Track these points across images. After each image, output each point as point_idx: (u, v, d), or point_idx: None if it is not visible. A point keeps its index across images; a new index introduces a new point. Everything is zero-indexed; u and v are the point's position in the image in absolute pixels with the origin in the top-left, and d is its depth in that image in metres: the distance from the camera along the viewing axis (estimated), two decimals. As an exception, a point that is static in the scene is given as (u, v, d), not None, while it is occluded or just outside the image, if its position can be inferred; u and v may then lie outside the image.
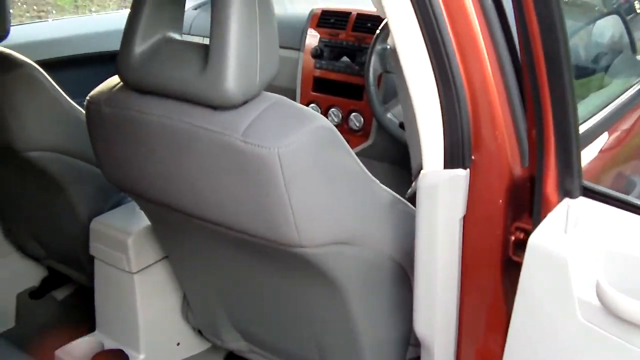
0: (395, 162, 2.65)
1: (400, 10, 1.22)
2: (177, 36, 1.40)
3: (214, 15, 1.22)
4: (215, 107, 1.27)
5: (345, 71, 2.66)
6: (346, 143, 1.33)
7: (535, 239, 1.16)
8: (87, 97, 1.50)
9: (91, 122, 1.50)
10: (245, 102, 1.27)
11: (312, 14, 2.75)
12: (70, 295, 2.64)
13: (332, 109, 2.72)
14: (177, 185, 1.39)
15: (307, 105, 2.75)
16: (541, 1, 1.08)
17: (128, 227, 1.92)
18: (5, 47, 2.53)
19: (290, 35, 2.80)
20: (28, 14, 7.54)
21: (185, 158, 1.33)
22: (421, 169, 1.32)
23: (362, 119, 2.66)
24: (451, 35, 1.21)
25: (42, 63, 2.63)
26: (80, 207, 2.10)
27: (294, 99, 2.68)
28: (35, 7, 7.68)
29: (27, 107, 1.89)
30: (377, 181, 1.43)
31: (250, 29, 1.22)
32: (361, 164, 1.37)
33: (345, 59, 2.67)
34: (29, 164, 1.97)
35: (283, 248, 1.33)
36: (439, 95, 1.24)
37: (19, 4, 7.53)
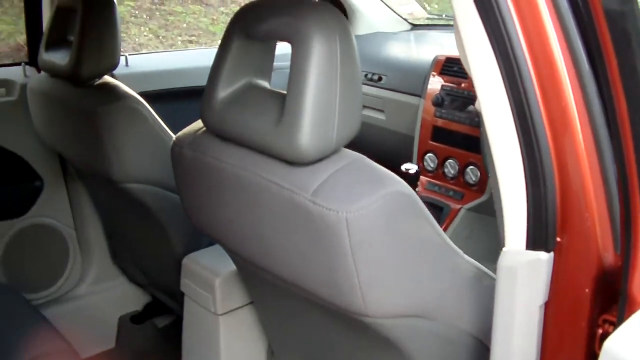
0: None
1: (487, 75, 1.13)
2: (263, 83, 1.37)
3: (293, 65, 1.20)
4: (289, 162, 1.22)
5: (465, 122, 2.56)
6: (426, 211, 1.26)
7: (611, 344, 1.03)
8: (174, 138, 1.50)
9: (175, 163, 1.50)
10: (320, 160, 1.22)
11: (435, 61, 2.68)
12: (170, 325, 2.69)
13: (449, 160, 2.62)
14: (248, 237, 1.38)
15: (424, 154, 2.67)
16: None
17: (217, 268, 1.91)
18: (121, 75, 2.64)
19: (412, 80, 2.74)
20: (180, 38, 7.83)
21: (256, 211, 1.31)
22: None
23: (478, 173, 2.54)
24: (541, 106, 1.10)
25: (154, 94, 2.73)
26: (177, 242, 2.12)
27: (411, 146, 2.61)
28: (187, 33, 7.96)
29: (127, 139, 1.94)
30: (461, 253, 1.34)
31: (329, 83, 1.18)
32: (443, 234, 1.29)
33: (467, 108, 2.56)
34: (128, 194, 2.00)
35: (350, 315, 1.25)
36: (524, 168, 1.13)
37: (172, 28, 7.82)
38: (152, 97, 2.75)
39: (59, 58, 2.03)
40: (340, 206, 1.15)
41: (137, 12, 8.07)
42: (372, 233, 1.17)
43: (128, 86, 2.55)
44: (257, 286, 1.70)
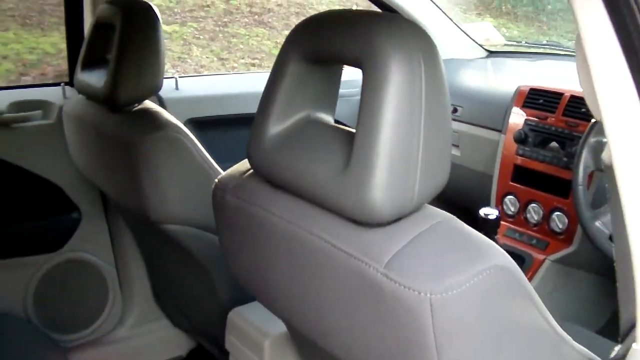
0: (603, 273, 2.21)
1: (629, 120, 0.83)
2: (326, 118, 1.10)
3: (364, 95, 0.95)
4: (356, 222, 0.98)
5: (551, 162, 2.27)
6: (531, 289, 0.98)
7: None
8: (216, 180, 1.24)
9: (217, 209, 1.27)
10: (397, 220, 0.97)
11: (518, 92, 2.40)
12: (212, 374, 2.42)
13: (532, 205, 2.34)
14: (299, 306, 1.14)
15: (504, 196, 2.38)
16: None
17: (267, 326, 1.67)
18: (169, 99, 2.42)
19: (491, 113, 2.46)
20: (242, 61, 7.71)
21: (312, 279, 1.07)
22: (631, 328, 0.92)
23: (566, 221, 2.25)
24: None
25: (205, 120, 2.50)
26: (222, 290, 1.88)
27: (489, 186, 2.34)
28: (249, 56, 7.84)
29: (167, 174, 1.72)
30: (570, 340, 1.05)
31: (410, 119, 0.93)
32: (550, 317, 0.99)
33: (553, 146, 2.26)
34: (167, 236, 1.75)
35: None
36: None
37: (235, 50, 7.72)
38: (203, 123, 2.56)
39: (96, 79, 1.81)
40: (422, 284, 0.88)
41: (200, 33, 8.00)
42: (464, 321, 0.90)
43: (177, 111, 2.38)
44: (312, 356, 1.42)
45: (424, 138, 0.93)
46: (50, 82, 6.32)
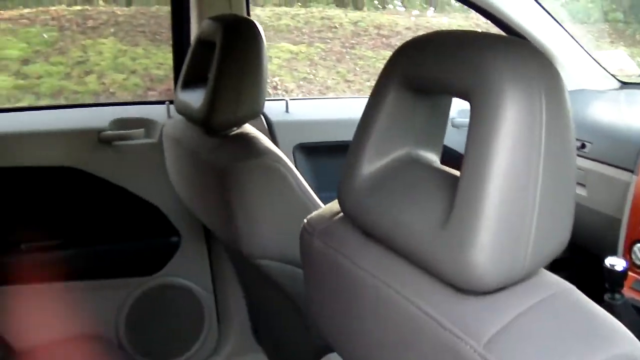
0: None
1: None
2: (429, 157, 0.93)
3: (471, 133, 0.78)
4: (455, 288, 0.82)
5: (692, 209, 1.99)
6: None
7: None
8: (305, 220, 1.09)
9: (303, 251, 1.15)
10: (502, 288, 0.79)
11: (654, 128, 2.13)
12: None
13: (668, 257, 2.06)
14: None
15: (633, 244, 2.12)
16: None
17: None
18: (278, 123, 2.30)
19: (623, 151, 2.22)
20: (368, 83, 7.63)
21: (399, 344, 0.90)
22: None
23: None
24: None
25: (316, 146, 2.37)
26: (315, 333, 1.70)
27: (617, 232, 2.10)
28: (375, 78, 7.76)
29: (261, 205, 1.58)
30: None
31: (527, 168, 0.75)
32: None
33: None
34: (260, 270, 1.62)
35: None
36: None
37: (361, 72, 7.64)
38: (314, 149, 2.43)
39: (194, 99, 1.71)
40: None
41: (326, 54, 7.97)
42: None
43: (286, 135, 2.27)
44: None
45: (542, 189, 0.75)
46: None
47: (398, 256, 0.90)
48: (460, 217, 0.76)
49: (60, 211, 2.26)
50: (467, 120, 0.80)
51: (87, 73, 6.88)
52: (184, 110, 1.80)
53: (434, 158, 0.97)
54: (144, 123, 2.30)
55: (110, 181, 2.22)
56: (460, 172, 0.78)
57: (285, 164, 1.61)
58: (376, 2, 9.10)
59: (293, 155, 2.41)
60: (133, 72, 7.00)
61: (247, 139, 1.69)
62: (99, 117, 2.28)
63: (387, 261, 0.91)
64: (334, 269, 1.02)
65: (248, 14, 2.31)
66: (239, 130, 1.73)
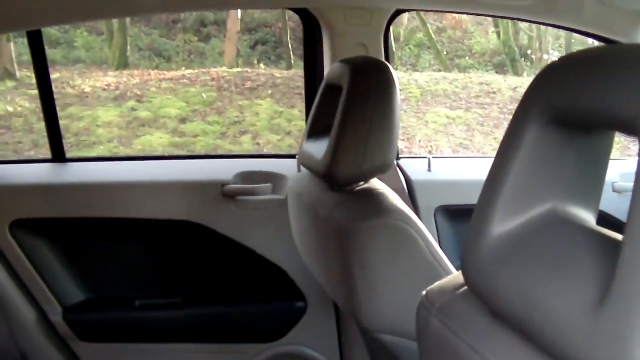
0: None
1: None
2: (580, 214, 0.70)
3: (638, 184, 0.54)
4: None
5: None
6: None
7: None
8: (424, 292, 0.89)
9: (419, 328, 0.95)
10: None
11: None
12: None
13: None
14: None
15: None
16: None
17: None
18: (420, 182, 2.11)
19: None
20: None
21: None
22: None
23: None
24: None
25: (461, 209, 2.15)
26: None
27: None
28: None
29: (384, 271, 1.40)
30: None
31: None
32: None
33: None
34: (380, 343, 1.41)
35: None
36: None
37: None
38: (457, 212, 2.22)
39: (317, 150, 1.53)
40: None
41: (484, 120, 7.76)
42: None
43: (427, 196, 2.12)
44: None
45: None
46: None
47: (534, 347, 0.67)
48: (621, 294, 0.54)
49: (179, 268, 2.16)
50: (631, 184, 0.58)
51: (243, 133, 6.99)
52: (307, 162, 1.63)
53: (587, 217, 0.74)
54: (272, 177, 2.16)
55: (232, 238, 2.09)
56: (624, 232, 0.55)
57: (416, 225, 1.40)
58: (536, 69, 8.80)
59: (434, 217, 2.19)
60: (288, 133, 7.05)
61: (372, 195, 1.49)
62: (224, 169, 2.18)
63: (519, 353, 0.68)
64: (452, 357, 0.80)
65: (387, 60, 2.12)
66: (364, 185, 1.54)
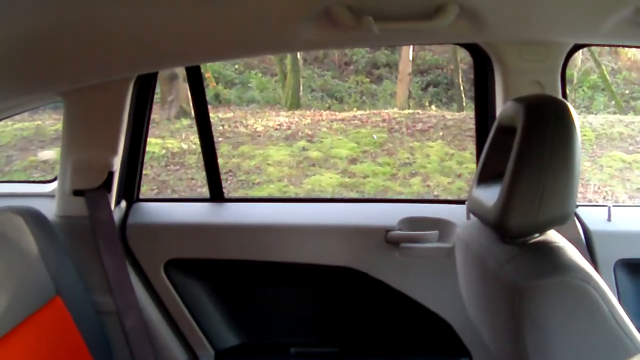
0: None
1: None
2: None
3: None
4: None
5: None
6: None
7: None
8: None
9: None
10: None
11: None
12: None
13: None
14: None
15: None
16: None
17: None
18: (599, 233, 1.93)
19: None
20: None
21: None
22: None
23: None
24: None
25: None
26: None
27: None
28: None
29: (558, 335, 1.26)
30: None
31: None
32: None
33: None
34: None
35: None
36: None
37: None
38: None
39: (488, 197, 1.40)
40: None
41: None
42: None
43: (607, 248, 1.95)
44: None
45: None
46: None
47: None
48: None
49: (337, 316, 2.08)
50: None
51: (413, 175, 6.90)
52: (477, 210, 1.51)
53: None
54: (439, 224, 2.05)
55: (394, 287, 1.98)
56: None
57: (596, 283, 1.24)
58: None
59: (614, 272, 1.97)
60: (458, 176, 6.88)
61: (549, 249, 1.34)
62: (389, 214, 2.08)
63: None
64: None
65: (564, 98, 1.95)
66: (540, 238, 1.39)
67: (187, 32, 1.67)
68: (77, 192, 2.01)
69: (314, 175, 6.83)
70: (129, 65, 1.86)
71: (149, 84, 2.08)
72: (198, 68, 2.09)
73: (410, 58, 9.03)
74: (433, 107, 8.78)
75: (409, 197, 6.60)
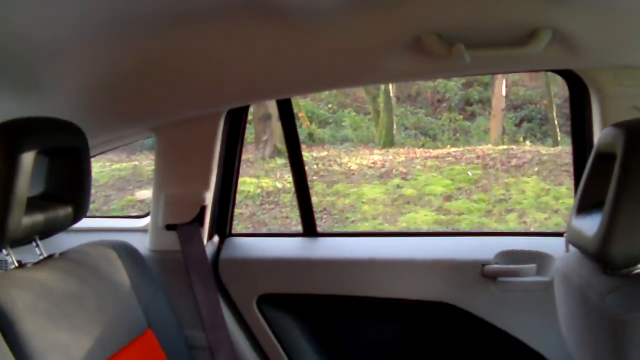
0: None
1: None
2: None
3: None
4: None
5: None
6: None
7: None
8: None
9: None
10: None
11: None
12: None
13: None
14: None
15: None
16: None
17: None
18: None
19: None
20: None
21: None
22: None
23: None
24: None
25: None
26: None
27: None
28: None
29: None
30: None
31: None
32: None
33: None
34: None
35: None
36: None
37: None
38: None
39: (588, 227, 1.31)
40: None
41: None
42: None
43: None
44: None
45: None
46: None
47: None
48: None
49: (432, 352, 2.00)
50: None
51: (509, 211, 6.72)
52: (576, 241, 1.41)
53: None
54: (537, 257, 1.94)
55: (491, 323, 1.89)
56: None
57: None
58: None
59: None
60: (555, 211, 6.65)
61: None
62: (485, 248, 1.99)
63: None
64: None
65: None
66: None
67: (278, 65, 1.66)
68: (169, 227, 2.02)
69: (408, 212, 6.73)
70: (220, 99, 1.86)
71: (240, 117, 2.08)
72: (289, 102, 2.07)
73: (504, 94, 8.88)
74: (527, 142, 8.58)
75: (505, 230, 6.41)
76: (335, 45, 1.56)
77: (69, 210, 1.60)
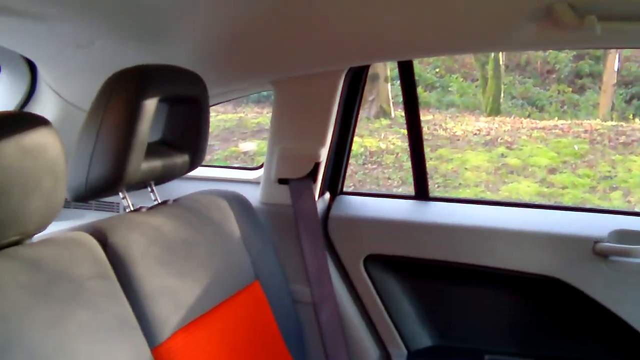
0: None
1: None
2: None
3: None
4: None
5: None
6: None
7: None
8: None
9: None
10: None
11: None
12: None
13: None
14: None
15: None
16: None
17: None
18: None
19: None
20: None
21: None
22: None
23: None
24: None
25: None
26: None
27: None
28: None
29: None
30: None
31: None
32: None
33: None
34: None
35: None
36: None
37: None
38: None
39: None
40: None
41: None
42: None
43: None
44: None
45: None
46: None
47: None
48: None
49: (535, 326, 1.89)
50: None
51: (613, 189, 6.45)
52: None
53: None
54: None
55: (599, 302, 1.77)
56: None
57: None
58: None
59: None
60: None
61: None
62: (596, 225, 1.87)
63: None
64: None
65: None
66: None
67: (403, 26, 1.57)
68: (282, 181, 1.98)
69: (511, 182, 6.55)
70: (342, 57, 1.79)
71: (360, 77, 2.00)
72: (411, 64, 1.97)
73: (616, 69, 8.50)
74: (637, 120, 8.20)
75: (619, 208, 6.16)
76: (467, 11, 1.46)
77: (185, 158, 1.57)
